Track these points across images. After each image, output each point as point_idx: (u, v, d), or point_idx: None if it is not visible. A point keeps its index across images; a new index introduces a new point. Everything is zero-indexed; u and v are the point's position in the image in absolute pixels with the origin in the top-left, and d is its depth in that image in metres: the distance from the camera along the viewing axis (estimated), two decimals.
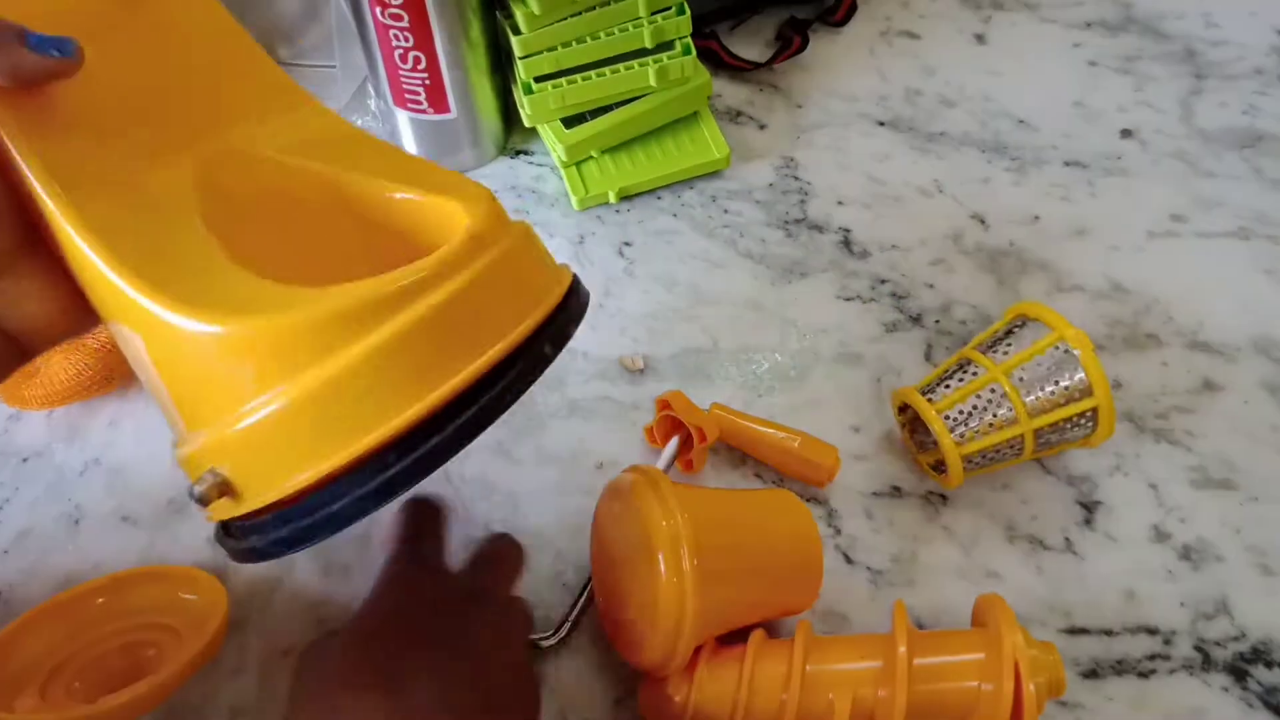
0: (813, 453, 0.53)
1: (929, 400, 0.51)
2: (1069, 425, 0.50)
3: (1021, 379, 0.50)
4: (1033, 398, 0.50)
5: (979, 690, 0.41)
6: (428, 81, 0.64)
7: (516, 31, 0.63)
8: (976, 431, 0.50)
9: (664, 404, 0.56)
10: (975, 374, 0.51)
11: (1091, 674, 0.48)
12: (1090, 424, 0.51)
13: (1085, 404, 0.49)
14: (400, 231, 0.40)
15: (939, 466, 0.54)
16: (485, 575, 0.46)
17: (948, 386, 0.51)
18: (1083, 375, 0.49)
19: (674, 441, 0.55)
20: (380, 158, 0.41)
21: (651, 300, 0.63)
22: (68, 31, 0.35)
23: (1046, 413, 0.50)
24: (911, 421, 0.56)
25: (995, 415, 0.50)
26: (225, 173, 0.39)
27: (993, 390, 0.50)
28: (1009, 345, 0.51)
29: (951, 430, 0.50)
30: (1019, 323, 0.52)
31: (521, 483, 0.55)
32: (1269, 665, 0.48)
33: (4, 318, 0.36)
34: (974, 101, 0.74)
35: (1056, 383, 0.50)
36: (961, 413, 0.50)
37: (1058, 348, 0.50)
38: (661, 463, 0.54)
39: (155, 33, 0.40)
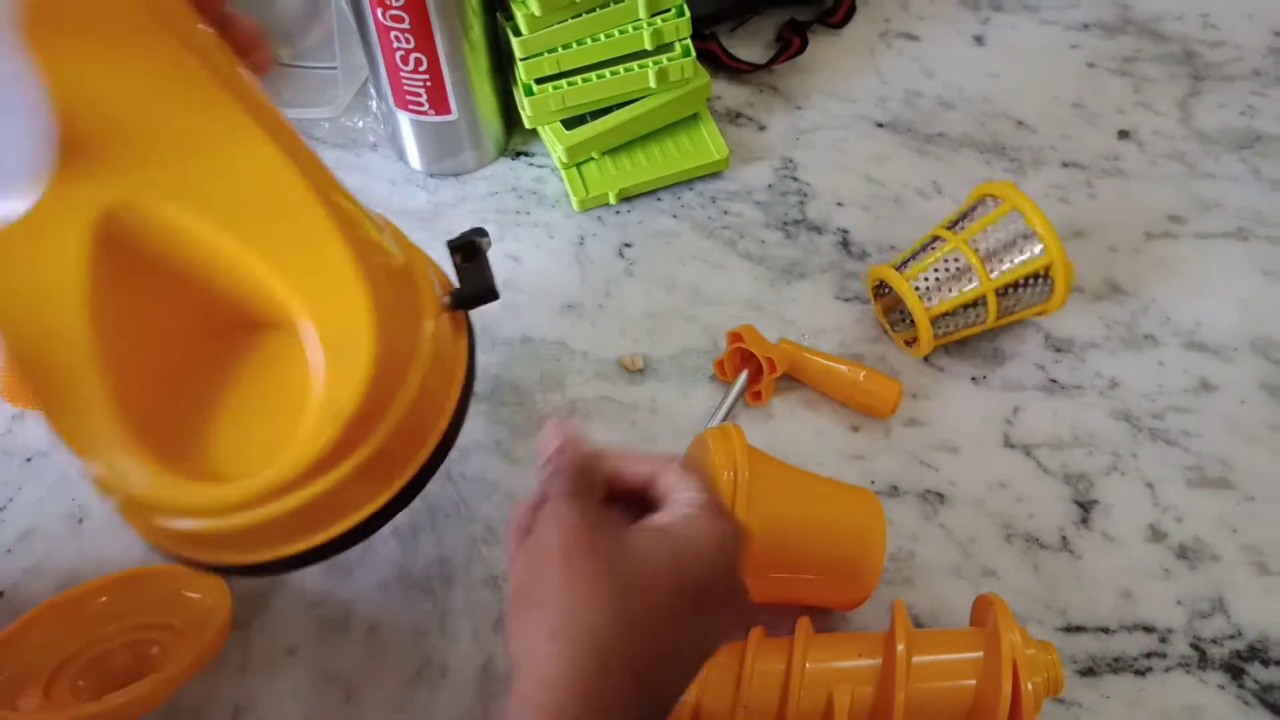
0: (877, 385, 0.56)
1: (900, 273, 0.57)
2: (1027, 285, 0.56)
3: (982, 248, 0.56)
4: (996, 272, 0.55)
5: (977, 688, 0.41)
6: (429, 83, 0.64)
7: (517, 33, 0.63)
8: (944, 299, 0.56)
9: (735, 336, 0.58)
10: (938, 245, 0.57)
11: (1089, 672, 0.48)
12: (1047, 284, 0.55)
13: (1040, 261, 0.55)
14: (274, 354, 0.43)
15: (914, 341, 0.58)
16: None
17: (916, 259, 0.57)
18: (1041, 246, 0.54)
19: (744, 374, 0.58)
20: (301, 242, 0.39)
21: (651, 300, 0.63)
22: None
23: (1007, 274, 0.56)
24: (886, 306, 0.60)
25: (961, 286, 0.56)
26: (121, 231, 0.38)
27: (956, 259, 0.56)
28: (970, 221, 0.57)
29: (923, 300, 0.56)
30: (982, 201, 0.58)
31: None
32: (1265, 663, 0.49)
33: None
34: (973, 103, 0.74)
35: (1019, 252, 0.55)
36: (928, 283, 0.56)
37: (1011, 219, 0.55)
38: (733, 394, 0.57)
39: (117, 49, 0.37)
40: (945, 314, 0.56)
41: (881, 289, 0.60)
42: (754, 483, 0.44)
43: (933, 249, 0.57)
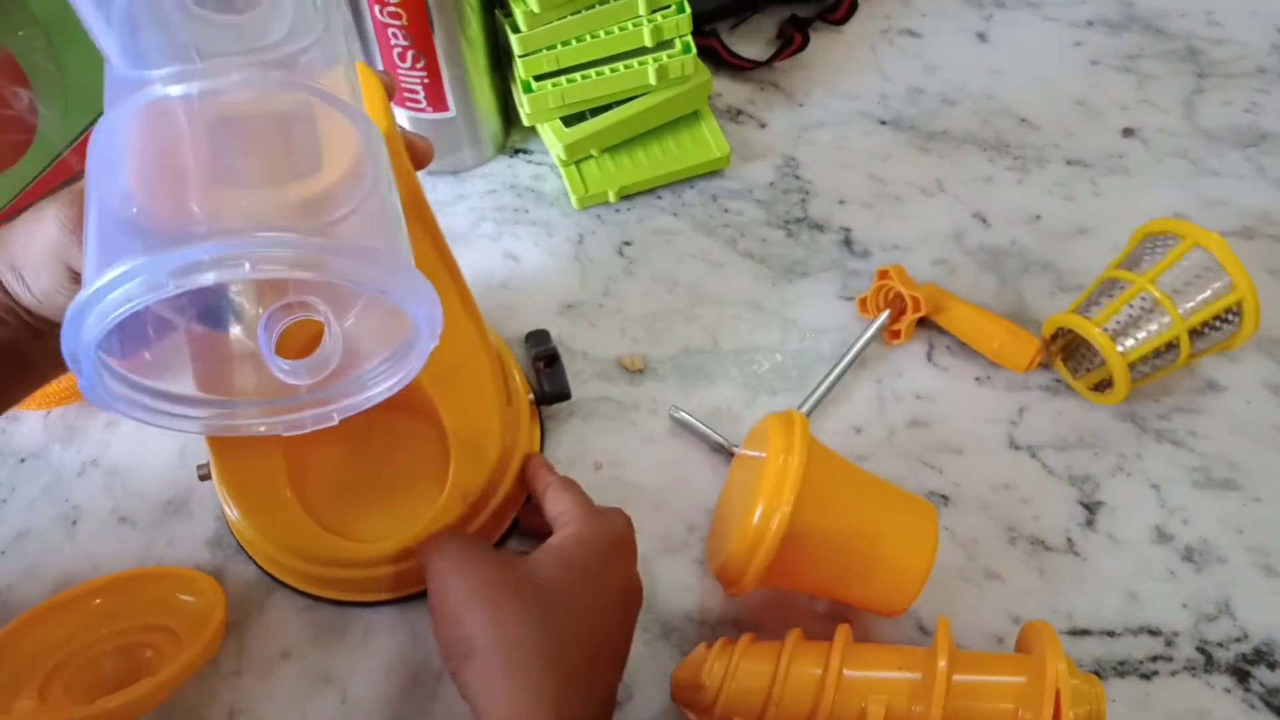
0: (1017, 337, 0.57)
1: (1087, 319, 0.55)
2: (1218, 323, 0.54)
3: (1171, 288, 0.53)
4: (1183, 308, 0.53)
5: (1016, 714, 0.40)
6: (426, 80, 0.63)
7: (516, 29, 0.62)
8: (1137, 341, 0.53)
9: (883, 274, 0.59)
10: (1123, 289, 0.54)
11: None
12: (1235, 321, 0.54)
13: (1230, 299, 0.53)
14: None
15: (1100, 386, 0.57)
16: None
17: (1099, 304, 0.55)
18: (1226, 278, 0.53)
19: (886, 312, 0.59)
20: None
21: (651, 300, 0.63)
22: None
23: (1197, 313, 0.53)
24: (1064, 350, 0.58)
25: (1151, 325, 0.53)
26: None
27: (1144, 299, 0.54)
28: (1148, 261, 0.55)
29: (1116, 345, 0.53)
30: (1152, 242, 0.56)
31: None
32: (1271, 666, 0.48)
33: None
34: (976, 100, 0.73)
35: (1202, 287, 0.53)
36: (1119, 324, 0.54)
37: (1194, 253, 0.54)
38: (872, 329, 0.59)
39: None
40: (1141, 357, 0.53)
41: (1055, 336, 0.58)
42: (809, 471, 0.44)
43: (1115, 292, 0.54)
